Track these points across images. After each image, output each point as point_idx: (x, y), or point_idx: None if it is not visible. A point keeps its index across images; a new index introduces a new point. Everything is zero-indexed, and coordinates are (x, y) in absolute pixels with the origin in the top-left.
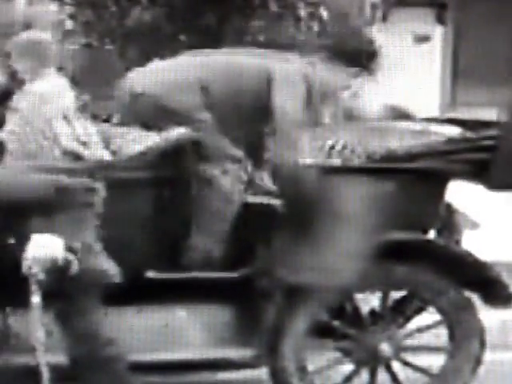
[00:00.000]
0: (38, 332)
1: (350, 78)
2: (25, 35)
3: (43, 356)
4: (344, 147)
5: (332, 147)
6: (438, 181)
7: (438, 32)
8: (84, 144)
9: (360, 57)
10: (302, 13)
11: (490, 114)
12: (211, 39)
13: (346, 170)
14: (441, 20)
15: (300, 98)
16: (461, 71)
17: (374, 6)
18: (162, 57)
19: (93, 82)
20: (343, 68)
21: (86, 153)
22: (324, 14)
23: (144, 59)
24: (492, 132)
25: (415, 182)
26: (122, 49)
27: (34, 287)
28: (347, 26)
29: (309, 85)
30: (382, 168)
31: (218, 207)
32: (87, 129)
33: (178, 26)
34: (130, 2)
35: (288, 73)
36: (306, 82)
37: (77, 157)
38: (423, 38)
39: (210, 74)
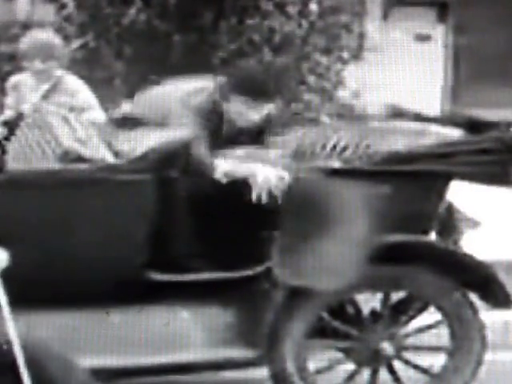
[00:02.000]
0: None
1: (255, 114)
2: (39, 35)
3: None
4: (345, 148)
5: (333, 148)
6: (439, 182)
7: (439, 31)
8: (85, 144)
9: (265, 91)
10: (291, 10)
11: (491, 114)
12: (205, 39)
13: (346, 172)
14: (442, 19)
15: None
16: (462, 71)
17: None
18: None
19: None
20: (248, 102)
21: (87, 153)
22: (313, 10)
23: (139, 59)
24: (494, 134)
25: (416, 183)
26: (118, 49)
27: None
28: (338, 21)
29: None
30: (382, 170)
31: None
32: (88, 129)
33: (173, 25)
34: (125, 4)
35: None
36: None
37: (78, 157)
38: (424, 37)
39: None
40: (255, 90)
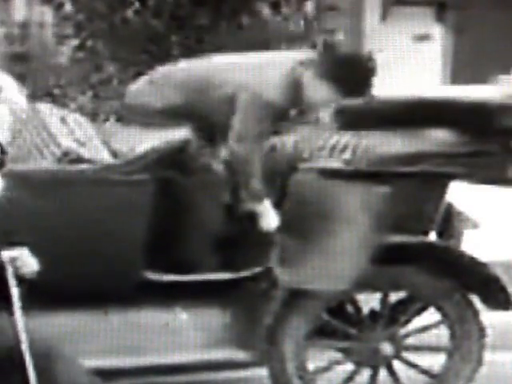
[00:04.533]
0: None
1: (334, 98)
2: None
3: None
4: (344, 148)
5: (333, 148)
6: (439, 183)
7: (437, 31)
8: (83, 145)
9: (356, 84)
10: (285, 10)
11: None
12: (203, 39)
13: (346, 173)
14: (440, 19)
15: (258, 119)
16: (460, 70)
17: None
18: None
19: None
20: (331, 87)
21: (86, 154)
22: (308, 10)
23: (136, 60)
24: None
25: (416, 184)
26: (114, 50)
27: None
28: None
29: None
30: (382, 171)
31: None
32: (86, 129)
33: (170, 26)
34: (122, 4)
35: (253, 92)
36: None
37: (77, 158)
38: (423, 37)
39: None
40: (355, 85)
